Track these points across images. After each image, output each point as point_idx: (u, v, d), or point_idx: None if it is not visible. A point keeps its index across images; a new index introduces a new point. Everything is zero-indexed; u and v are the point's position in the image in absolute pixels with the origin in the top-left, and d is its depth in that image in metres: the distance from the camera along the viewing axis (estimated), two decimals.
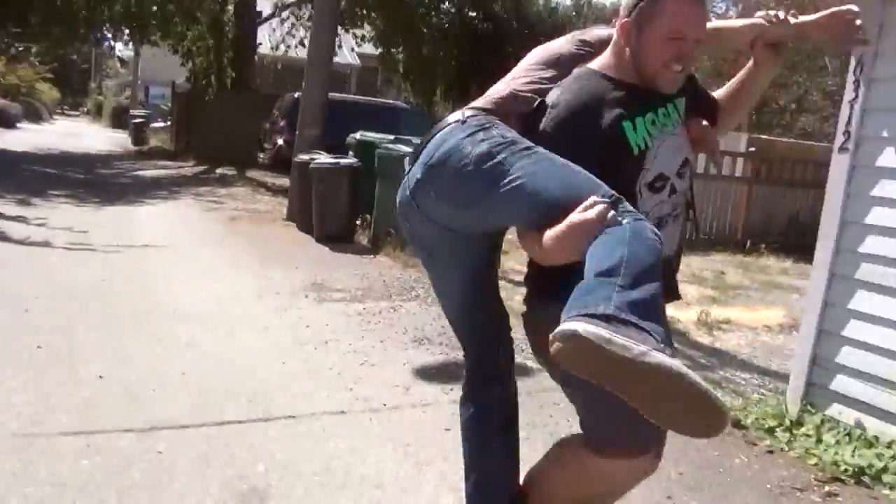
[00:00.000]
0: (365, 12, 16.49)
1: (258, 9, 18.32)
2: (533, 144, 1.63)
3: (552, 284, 1.57)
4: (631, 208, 1.51)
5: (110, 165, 16.55)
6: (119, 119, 33.60)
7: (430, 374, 4.01)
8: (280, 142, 13.39)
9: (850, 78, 3.57)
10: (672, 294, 1.85)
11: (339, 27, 16.17)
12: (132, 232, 7.80)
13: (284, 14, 18.83)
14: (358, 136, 8.75)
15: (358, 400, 3.57)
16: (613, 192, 1.52)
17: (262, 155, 14.94)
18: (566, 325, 1.31)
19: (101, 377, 3.54)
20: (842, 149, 3.58)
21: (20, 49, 21.50)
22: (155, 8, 16.89)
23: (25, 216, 7.93)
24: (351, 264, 6.83)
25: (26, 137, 22.31)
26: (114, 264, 6.15)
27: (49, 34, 19.63)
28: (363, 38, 17.49)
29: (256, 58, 19.72)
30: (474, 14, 19.42)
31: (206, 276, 5.97)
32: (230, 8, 17.08)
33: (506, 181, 1.56)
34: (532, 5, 20.76)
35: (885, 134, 3.43)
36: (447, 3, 18.93)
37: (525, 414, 2.14)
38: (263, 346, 4.28)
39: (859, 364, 3.40)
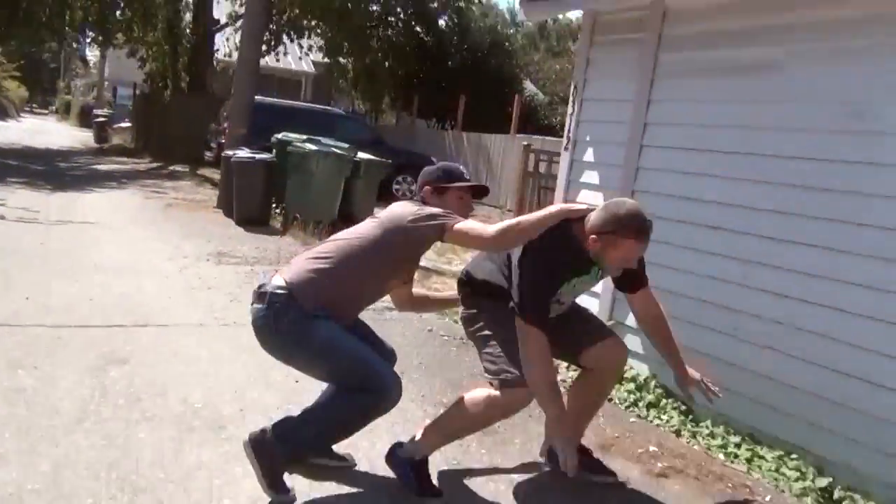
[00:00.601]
0: (313, 23, 17.91)
1: (216, 16, 19.70)
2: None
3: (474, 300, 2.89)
4: None
5: (69, 160, 17.78)
6: (86, 118, 34.63)
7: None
8: (223, 141, 14.72)
9: (570, 99, 5.09)
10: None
11: (286, 37, 17.63)
12: (76, 212, 9.14)
13: (239, 23, 20.21)
14: (280, 136, 10.15)
15: (216, 319, 4.99)
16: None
17: (208, 153, 16.25)
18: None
19: (27, 298, 4.93)
20: (565, 148, 5.09)
21: None
22: (118, 13, 18.17)
23: None
24: (257, 241, 8.23)
25: None
26: (53, 234, 7.51)
27: (14, 35, 20.80)
28: (310, 48, 18.91)
29: (215, 63, 21.10)
30: (419, 28, 20.92)
31: (129, 245, 7.34)
32: (188, 16, 18.41)
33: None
34: (473, 22, 22.32)
35: (587, 138, 4.94)
36: (393, 18, 20.40)
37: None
38: (159, 289, 5.68)
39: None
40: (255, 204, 9.31)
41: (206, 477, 2.80)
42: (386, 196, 11.52)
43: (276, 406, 3.53)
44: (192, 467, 2.87)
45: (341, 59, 18.72)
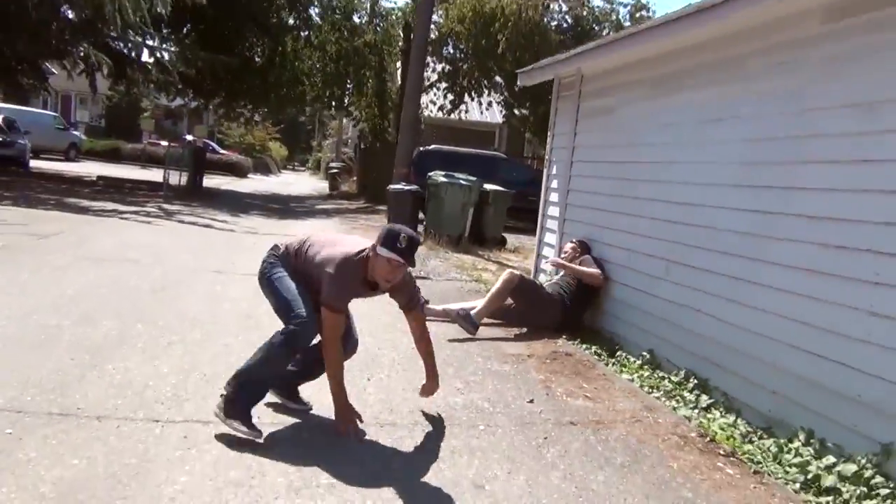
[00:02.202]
0: (487, 84, 21.65)
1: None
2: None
3: None
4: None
5: (302, 202, 22.90)
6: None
7: None
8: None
9: (550, 131, 7.96)
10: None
11: (468, 96, 21.47)
12: (286, 230, 13.28)
13: (442, 84, 24.55)
14: (431, 174, 13.67)
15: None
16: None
17: None
18: None
19: (233, 262, 8.69)
20: (546, 167, 7.95)
21: (254, 112, 29.14)
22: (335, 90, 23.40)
23: (229, 220, 13.72)
24: None
25: (252, 184, 29.98)
26: (264, 240, 11.53)
27: (270, 103, 26.89)
28: (489, 104, 22.59)
29: (422, 120, 25.56)
30: None
31: None
32: (393, 82, 23.00)
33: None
34: None
35: (555, 158, 7.78)
36: None
37: None
38: None
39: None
40: (405, 223, 12.77)
41: None
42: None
43: None
44: None
45: (516, 112, 22.10)
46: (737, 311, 4.58)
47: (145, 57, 20.28)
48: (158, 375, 4.16)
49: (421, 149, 18.20)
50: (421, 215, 13.39)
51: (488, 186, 13.05)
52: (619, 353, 5.81)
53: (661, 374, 5.26)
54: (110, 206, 13.82)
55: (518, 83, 8.86)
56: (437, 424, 3.88)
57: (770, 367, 4.24)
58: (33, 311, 5.22)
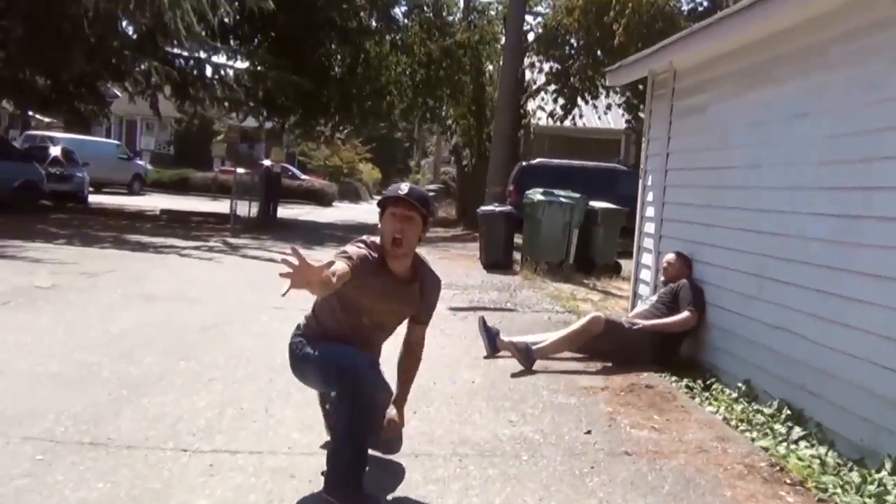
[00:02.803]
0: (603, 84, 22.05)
1: (526, 83, 24.81)
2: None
3: None
4: None
5: None
6: None
7: (459, 309, 9.34)
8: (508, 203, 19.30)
9: (644, 136, 8.41)
10: None
11: (580, 99, 21.96)
12: None
13: (550, 87, 25.11)
14: (530, 192, 14.23)
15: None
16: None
17: None
18: None
19: None
20: (641, 176, 8.40)
21: (336, 130, 30.42)
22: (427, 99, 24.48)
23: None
24: (485, 277, 12.30)
25: (335, 213, 31.51)
26: None
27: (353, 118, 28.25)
28: (609, 107, 22.92)
29: (531, 129, 26.16)
30: None
31: None
32: (494, 87, 23.77)
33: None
34: None
35: (650, 167, 8.22)
36: None
37: None
38: None
39: None
40: (498, 249, 13.47)
41: None
42: None
43: None
44: None
45: (641, 115, 22.31)
46: (827, 330, 4.92)
47: (209, 73, 21.86)
48: (194, 409, 4.91)
49: (523, 163, 18.83)
50: (518, 240, 13.95)
51: (596, 204, 13.43)
52: (714, 386, 6.17)
53: (756, 406, 5.60)
54: (171, 241, 15.11)
55: (607, 82, 9.35)
56: (477, 455, 4.42)
57: (861, 391, 4.56)
58: (75, 349, 6.13)
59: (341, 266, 3.53)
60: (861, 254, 4.64)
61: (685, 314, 6.64)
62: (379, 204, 3.87)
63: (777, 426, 5.13)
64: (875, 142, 4.58)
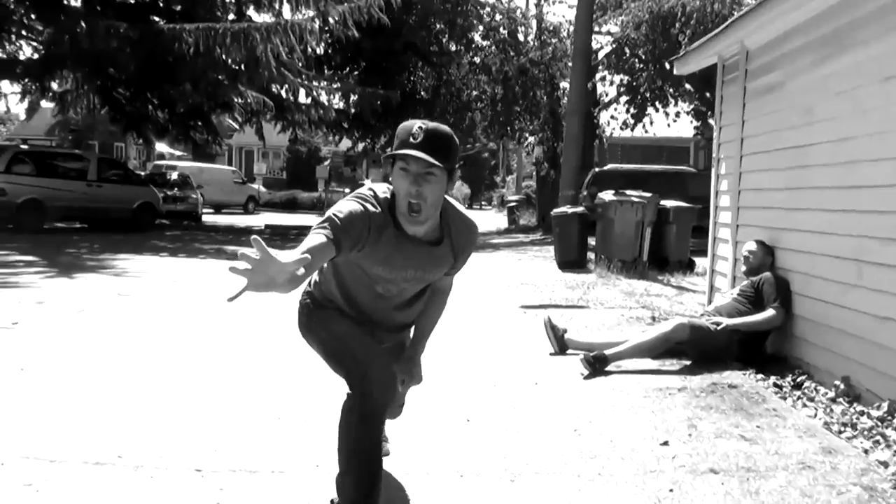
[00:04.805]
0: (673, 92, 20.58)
1: (598, 95, 23.51)
2: None
3: None
4: None
5: None
6: None
7: (531, 307, 8.28)
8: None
9: (716, 125, 7.18)
10: None
11: (651, 107, 20.58)
12: None
13: (622, 99, 23.75)
14: (602, 194, 13.03)
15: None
16: None
17: None
18: None
19: None
20: (714, 166, 7.17)
21: None
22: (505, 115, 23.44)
23: None
24: (559, 275, 11.16)
25: None
26: None
27: None
28: (678, 114, 21.43)
29: (604, 139, 24.84)
30: None
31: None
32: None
33: None
34: None
35: (723, 155, 6.99)
36: None
37: None
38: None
39: None
40: (572, 249, 12.28)
41: None
42: None
43: None
44: None
45: (711, 122, 20.78)
46: None
47: (302, 98, 21.34)
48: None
49: (596, 170, 17.65)
50: (592, 242, 12.76)
51: (667, 203, 12.18)
52: (805, 385, 4.95)
53: (859, 408, 4.38)
54: None
55: (675, 71, 8.14)
56: (533, 474, 3.35)
57: None
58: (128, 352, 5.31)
59: (316, 242, 2.33)
60: None
61: (771, 312, 5.41)
62: (386, 157, 2.57)
63: (890, 432, 3.91)
64: None
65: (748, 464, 3.45)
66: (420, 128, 2.46)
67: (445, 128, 2.54)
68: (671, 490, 3.15)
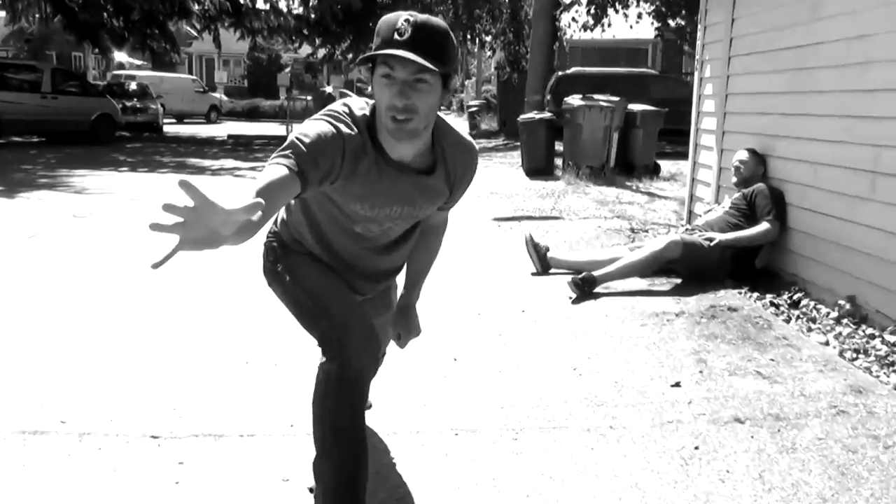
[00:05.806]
0: None
1: None
2: None
3: None
4: None
5: None
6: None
7: (503, 219, 7.68)
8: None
9: (700, 24, 6.48)
10: None
11: (611, 8, 19.60)
12: None
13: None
14: (568, 98, 12.30)
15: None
16: None
17: None
18: None
19: None
20: (697, 68, 6.50)
21: None
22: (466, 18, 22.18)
23: None
24: (528, 183, 10.54)
25: None
26: None
27: None
28: (640, 15, 20.44)
29: (564, 42, 23.78)
30: None
31: None
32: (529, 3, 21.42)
33: None
34: None
35: (707, 57, 6.31)
36: None
37: None
38: None
39: None
40: (540, 156, 11.62)
41: None
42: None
43: None
44: None
45: (671, 22, 19.87)
46: None
47: (261, 4, 19.96)
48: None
49: (559, 73, 16.76)
50: (559, 148, 12.10)
51: (634, 107, 11.50)
52: (803, 304, 4.47)
53: (868, 330, 3.91)
54: (230, 164, 13.58)
55: None
56: (537, 430, 2.81)
57: None
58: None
59: (276, 176, 1.68)
60: None
61: (765, 226, 4.86)
62: (362, 60, 1.86)
63: None
64: None
65: (774, 410, 2.94)
66: (407, 20, 1.77)
67: (439, 20, 1.86)
68: (696, 448, 2.64)
